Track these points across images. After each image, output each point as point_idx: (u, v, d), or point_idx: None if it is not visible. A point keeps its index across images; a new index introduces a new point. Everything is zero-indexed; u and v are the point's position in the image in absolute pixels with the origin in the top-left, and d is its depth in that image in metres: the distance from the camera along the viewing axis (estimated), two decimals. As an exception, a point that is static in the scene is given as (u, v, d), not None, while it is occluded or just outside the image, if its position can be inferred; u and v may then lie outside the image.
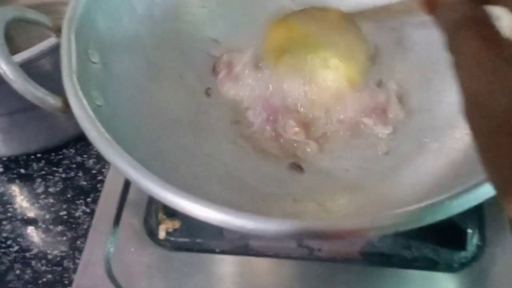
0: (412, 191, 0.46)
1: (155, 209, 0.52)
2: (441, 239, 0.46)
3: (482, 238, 0.47)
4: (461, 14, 0.28)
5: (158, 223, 0.51)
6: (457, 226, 0.46)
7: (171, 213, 0.51)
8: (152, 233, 0.51)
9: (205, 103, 0.54)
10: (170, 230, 0.51)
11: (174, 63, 0.55)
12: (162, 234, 0.51)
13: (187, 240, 0.51)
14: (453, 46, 0.28)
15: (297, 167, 0.49)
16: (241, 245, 0.49)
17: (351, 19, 0.52)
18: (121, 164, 0.37)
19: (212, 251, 0.50)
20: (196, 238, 0.51)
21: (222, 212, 0.35)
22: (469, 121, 0.27)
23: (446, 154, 0.47)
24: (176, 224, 0.51)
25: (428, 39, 0.53)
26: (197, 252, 0.50)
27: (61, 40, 0.45)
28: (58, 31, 0.47)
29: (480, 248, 0.47)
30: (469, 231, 0.46)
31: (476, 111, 0.27)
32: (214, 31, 0.58)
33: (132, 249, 0.50)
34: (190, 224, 0.51)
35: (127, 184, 0.54)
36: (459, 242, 0.47)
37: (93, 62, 0.47)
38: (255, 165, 0.50)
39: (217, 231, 0.50)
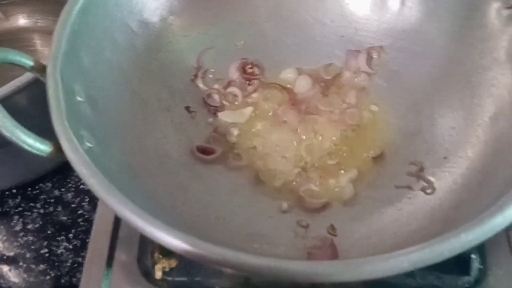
0: (411, 218, 0.46)
1: (151, 249, 0.50)
2: (445, 266, 0.46)
3: (483, 262, 0.47)
4: None
5: (154, 262, 0.50)
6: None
7: (167, 252, 0.50)
8: (147, 273, 0.50)
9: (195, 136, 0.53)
10: (167, 269, 0.50)
11: (160, 94, 0.54)
12: (158, 274, 0.49)
13: (185, 279, 0.49)
14: None
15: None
16: (241, 282, 0.48)
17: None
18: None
19: (212, 289, 0.49)
20: (195, 276, 0.49)
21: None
22: None
23: (444, 180, 0.48)
24: (173, 263, 0.50)
25: (414, 65, 0.54)
26: (196, 291, 0.49)
27: (47, 81, 0.43)
28: (41, 70, 0.45)
29: (483, 272, 0.47)
30: (472, 256, 0.46)
31: None
32: (197, 60, 0.57)
33: (128, 291, 0.49)
34: (188, 263, 0.49)
35: (116, 222, 0.52)
36: (462, 267, 0.47)
37: (80, 100, 0.45)
38: (251, 198, 0.49)
39: (215, 268, 0.49)
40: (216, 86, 0.57)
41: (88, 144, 0.42)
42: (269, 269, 0.34)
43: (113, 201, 0.36)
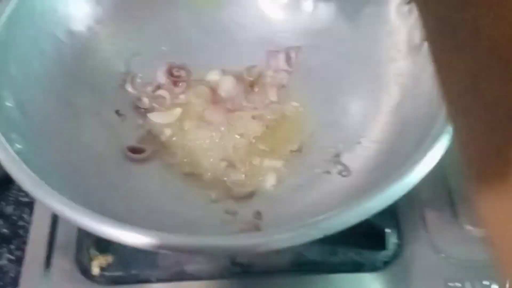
0: (330, 198, 0.49)
1: (86, 246, 0.52)
2: (364, 242, 0.49)
3: (399, 236, 0.51)
4: None
5: (91, 259, 0.51)
6: (376, 228, 0.49)
7: (103, 248, 0.51)
8: (85, 271, 0.51)
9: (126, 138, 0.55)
10: (104, 265, 0.51)
11: (90, 100, 0.55)
12: (95, 270, 0.51)
13: (122, 273, 0.51)
14: None
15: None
16: (176, 271, 0.50)
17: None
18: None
19: (149, 281, 0.50)
20: (131, 270, 0.51)
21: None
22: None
23: (358, 162, 0.51)
24: (109, 258, 0.51)
25: (329, 61, 0.58)
26: (134, 284, 0.50)
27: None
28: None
29: (399, 246, 0.50)
30: (387, 231, 0.50)
31: None
32: (125, 66, 0.59)
33: (67, 290, 0.50)
34: (123, 257, 0.51)
35: (53, 226, 0.54)
36: (380, 243, 0.50)
37: (9, 106, 0.47)
38: (182, 191, 0.51)
39: (151, 260, 0.50)
40: (145, 89, 0.59)
41: (18, 146, 0.43)
42: (190, 244, 0.36)
43: (41, 194, 0.39)
